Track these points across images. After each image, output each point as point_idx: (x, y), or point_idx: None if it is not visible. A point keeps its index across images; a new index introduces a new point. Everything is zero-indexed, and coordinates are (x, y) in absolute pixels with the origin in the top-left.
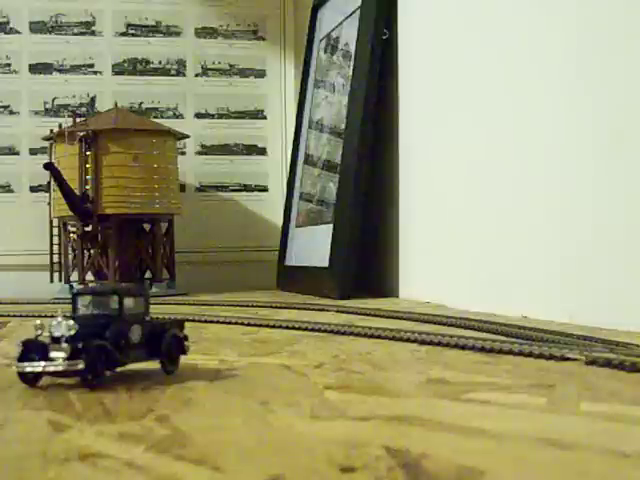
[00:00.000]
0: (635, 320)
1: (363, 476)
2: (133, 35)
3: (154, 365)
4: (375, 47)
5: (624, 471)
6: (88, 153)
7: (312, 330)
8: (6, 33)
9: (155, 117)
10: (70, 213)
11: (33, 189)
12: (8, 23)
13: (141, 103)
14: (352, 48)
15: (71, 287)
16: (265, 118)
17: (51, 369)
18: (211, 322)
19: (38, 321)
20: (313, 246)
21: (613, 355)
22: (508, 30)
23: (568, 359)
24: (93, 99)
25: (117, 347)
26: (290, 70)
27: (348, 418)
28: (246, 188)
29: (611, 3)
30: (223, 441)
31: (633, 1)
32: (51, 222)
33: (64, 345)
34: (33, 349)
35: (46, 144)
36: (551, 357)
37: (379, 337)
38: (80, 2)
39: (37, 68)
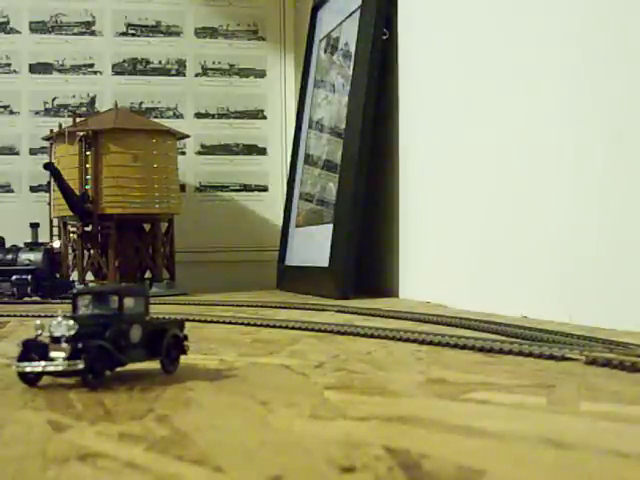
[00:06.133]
0: (635, 320)
1: (363, 476)
2: (133, 35)
3: (154, 365)
4: (375, 47)
5: (624, 471)
6: (88, 153)
7: (312, 330)
8: (6, 33)
9: (155, 117)
10: (70, 213)
11: (33, 189)
12: (8, 23)
13: (141, 103)
14: (352, 48)
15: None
16: (265, 118)
17: (51, 369)
18: (211, 322)
19: (38, 321)
20: (313, 246)
21: (613, 355)
22: (509, 30)
23: (568, 359)
24: (93, 99)
25: (117, 347)
26: (290, 70)
27: (348, 418)
28: (246, 188)
29: (613, 3)
30: (223, 441)
31: (634, 1)
32: (51, 222)
33: (64, 345)
34: (33, 349)
35: (46, 144)
36: (551, 357)
37: (379, 337)
38: (80, 2)
39: (37, 68)
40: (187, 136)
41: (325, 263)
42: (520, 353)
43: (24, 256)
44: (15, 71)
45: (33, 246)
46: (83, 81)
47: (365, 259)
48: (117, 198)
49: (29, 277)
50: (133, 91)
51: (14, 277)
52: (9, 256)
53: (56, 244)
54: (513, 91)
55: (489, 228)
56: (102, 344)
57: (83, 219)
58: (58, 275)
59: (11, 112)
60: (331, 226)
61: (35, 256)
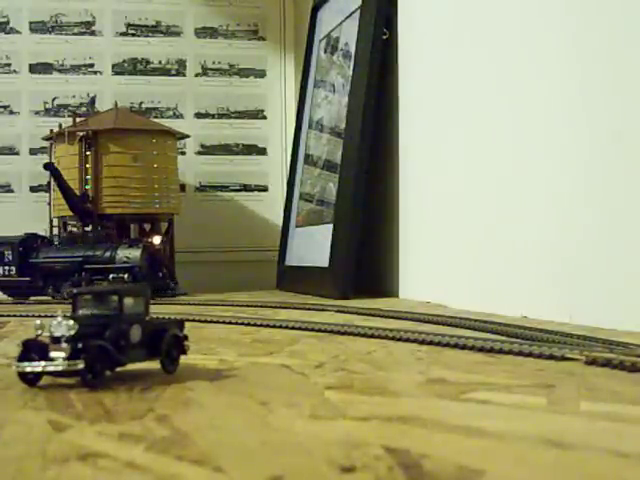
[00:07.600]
0: (635, 320)
1: (363, 476)
2: (133, 35)
3: (154, 365)
4: (375, 47)
5: (624, 471)
6: (88, 153)
7: (312, 330)
8: (6, 33)
9: (155, 117)
10: (70, 213)
11: (33, 189)
12: (8, 23)
13: (141, 103)
14: (352, 48)
15: None
16: (265, 118)
17: (51, 369)
18: (211, 322)
19: (38, 321)
20: (313, 246)
21: (613, 355)
22: (508, 31)
23: (568, 359)
24: (93, 99)
25: (117, 347)
26: (290, 70)
27: (348, 418)
28: (246, 188)
29: (609, 5)
30: (223, 441)
31: (631, 2)
32: (51, 222)
33: (64, 345)
34: (33, 349)
35: (46, 144)
36: (551, 357)
37: (379, 337)
38: (80, 2)
39: (37, 68)
40: (187, 136)
41: (325, 263)
42: (520, 353)
43: (122, 253)
44: (15, 71)
45: (132, 243)
46: (83, 81)
47: (365, 259)
48: (117, 198)
49: (126, 276)
50: (133, 91)
51: (111, 276)
52: (107, 253)
53: (156, 240)
54: (513, 91)
55: (489, 228)
56: (102, 344)
57: (83, 219)
58: (160, 274)
59: (11, 112)
60: (331, 226)
61: (133, 253)
